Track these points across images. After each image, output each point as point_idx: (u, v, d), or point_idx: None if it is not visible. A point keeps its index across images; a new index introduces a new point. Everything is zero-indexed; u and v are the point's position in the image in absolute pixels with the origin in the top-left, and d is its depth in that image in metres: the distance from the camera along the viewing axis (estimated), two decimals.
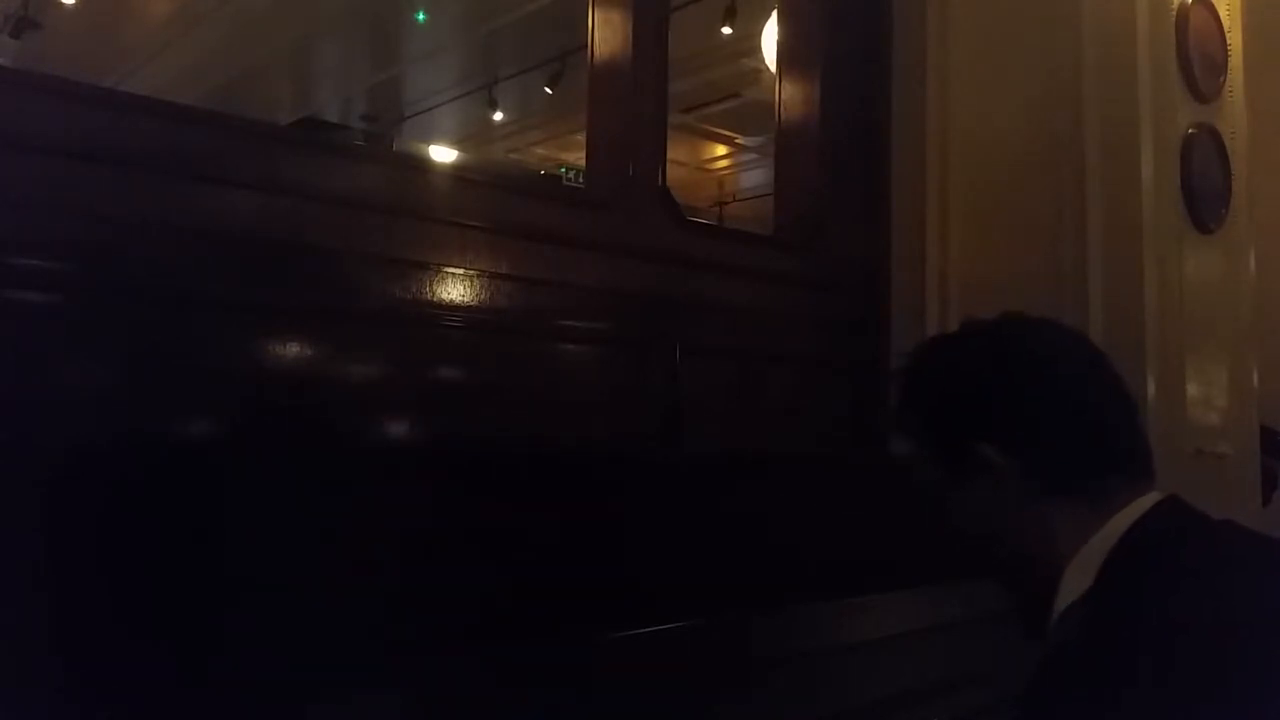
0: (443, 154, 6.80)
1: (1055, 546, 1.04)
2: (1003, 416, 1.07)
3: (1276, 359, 2.63)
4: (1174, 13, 2.31)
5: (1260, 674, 0.87)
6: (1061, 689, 0.92)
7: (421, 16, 5.93)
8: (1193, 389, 2.25)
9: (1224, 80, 2.46)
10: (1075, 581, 1.00)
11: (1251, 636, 0.88)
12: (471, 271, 1.76)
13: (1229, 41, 2.48)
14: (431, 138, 7.52)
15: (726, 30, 5.56)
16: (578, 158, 4.84)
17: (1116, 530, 1.01)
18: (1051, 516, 1.05)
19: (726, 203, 8.76)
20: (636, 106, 2.07)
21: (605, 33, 2.09)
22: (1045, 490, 1.05)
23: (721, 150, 8.42)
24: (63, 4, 5.58)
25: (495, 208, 1.84)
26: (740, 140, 7.99)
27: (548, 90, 6.45)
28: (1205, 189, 2.33)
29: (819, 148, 2.44)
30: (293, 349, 1.55)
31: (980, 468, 1.06)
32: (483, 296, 1.78)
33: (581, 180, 3.05)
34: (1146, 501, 1.02)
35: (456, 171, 2.69)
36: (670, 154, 2.18)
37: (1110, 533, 1.01)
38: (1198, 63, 2.34)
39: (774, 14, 2.82)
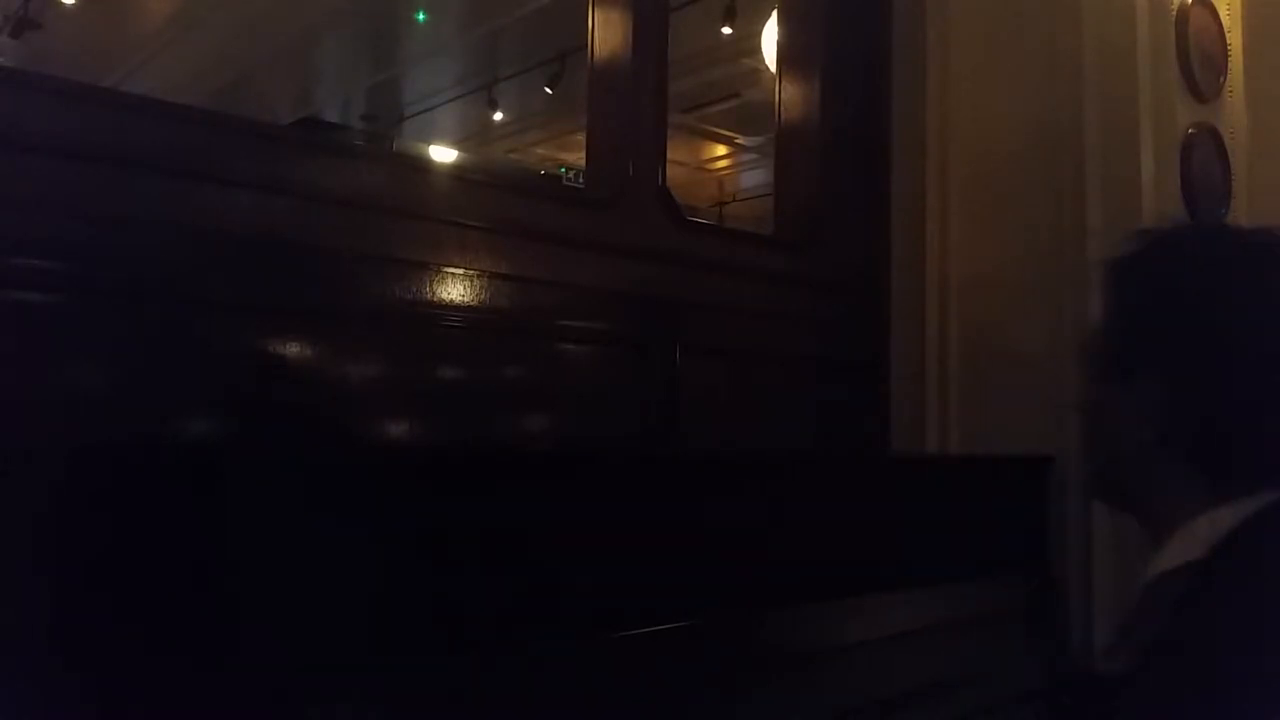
0: (443, 154, 6.79)
1: (1162, 504, 0.97)
2: (1179, 356, 0.98)
3: None
4: (1174, 13, 2.31)
5: None
6: (1170, 669, 0.87)
7: (421, 16, 5.93)
8: None
9: (1224, 80, 2.46)
10: (1182, 549, 0.94)
11: None
12: (471, 271, 1.76)
13: (1229, 41, 2.48)
14: (431, 138, 7.51)
15: (726, 30, 5.55)
16: (578, 158, 4.83)
17: (1233, 515, 0.93)
18: (1167, 475, 0.98)
19: (726, 203, 8.74)
20: (636, 106, 2.07)
21: (605, 33, 2.09)
22: (1176, 449, 0.97)
23: (721, 150, 8.40)
24: (63, 4, 5.58)
25: (495, 208, 1.84)
26: (740, 140, 7.97)
27: (548, 90, 6.44)
28: (1205, 189, 2.33)
29: (819, 148, 2.44)
30: (292, 349, 1.55)
31: (1130, 385, 0.99)
32: (483, 296, 1.78)
33: (581, 180, 3.04)
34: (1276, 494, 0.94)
35: (456, 171, 2.69)
36: (670, 154, 2.17)
37: (1231, 514, 0.93)
38: (1198, 63, 2.34)
39: (774, 14, 2.82)
